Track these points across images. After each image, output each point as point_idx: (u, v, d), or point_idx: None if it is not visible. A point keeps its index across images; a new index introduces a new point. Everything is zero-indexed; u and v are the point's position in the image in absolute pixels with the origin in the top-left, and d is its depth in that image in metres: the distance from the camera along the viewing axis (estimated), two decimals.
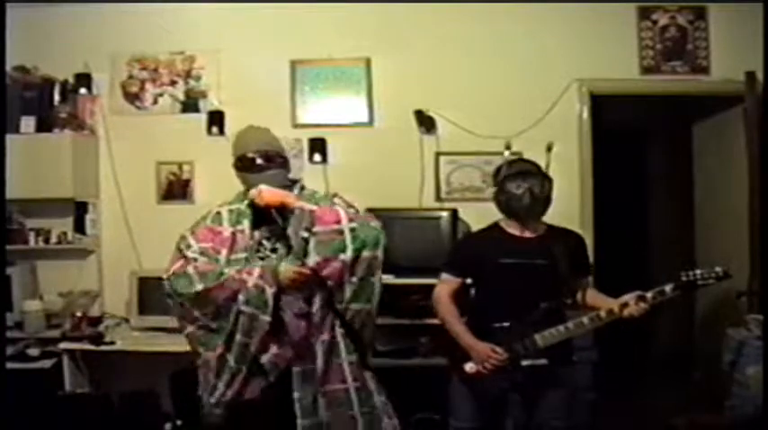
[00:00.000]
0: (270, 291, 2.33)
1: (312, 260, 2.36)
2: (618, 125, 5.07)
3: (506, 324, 2.55)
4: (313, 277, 2.35)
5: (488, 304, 2.64)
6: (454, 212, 3.80)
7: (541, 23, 4.08)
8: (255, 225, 2.51)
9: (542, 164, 3.98)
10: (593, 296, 2.66)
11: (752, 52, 3.66)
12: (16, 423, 3.07)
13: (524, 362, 2.53)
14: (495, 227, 2.75)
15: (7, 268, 3.81)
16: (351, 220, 2.48)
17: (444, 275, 2.74)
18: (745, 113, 3.90)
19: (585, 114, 4.10)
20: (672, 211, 5.47)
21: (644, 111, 5.27)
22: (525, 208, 2.61)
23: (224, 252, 2.45)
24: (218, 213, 2.58)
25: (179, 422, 3.50)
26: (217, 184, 4.15)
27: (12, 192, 3.34)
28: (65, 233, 4.11)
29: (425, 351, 3.72)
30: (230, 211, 2.56)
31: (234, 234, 2.49)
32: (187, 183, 4.23)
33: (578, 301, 2.64)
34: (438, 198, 4.12)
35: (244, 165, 2.55)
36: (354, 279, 2.44)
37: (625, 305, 2.48)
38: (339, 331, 2.43)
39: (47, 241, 4.08)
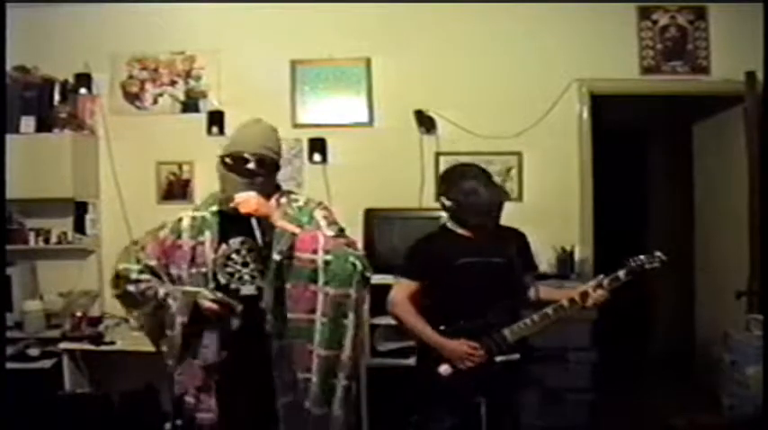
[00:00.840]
0: (179, 320, 2.26)
1: (288, 284, 2.21)
2: (618, 125, 5.07)
3: (469, 323, 2.54)
4: (232, 311, 2.22)
5: (447, 306, 2.60)
6: None
7: (541, 23, 4.08)
8: (224, 236, 2.31)
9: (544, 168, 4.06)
10: (547, 291, 2.72)
11: (752, 52, 3.65)
12: (16, 423, 3.07)
13: (498, 358, 2.52)
14: (444, 229, 2.73)
15: (7, 268, 3.82)
16: (327, 252, 2.24)
17: (400, 279, 2.68)
18: (745, 113, 3.90)
19: (585, 114, 4.10)
20: (672, 211, 5.47)
21: (644, 111, 5.26)
22: (487, 215, 2.60)
23: (183, 266, 2.31)
24: (180, 221, 2.40)
25: (179, 421, 3.49)
26: (217, 184, 4.17)
27: (12, 192, 3.33)
28: (65, 233, 4.11)
29: None
30: (193, 220, 2.36)
31: (196, 245, 2.31)
32: (187, 183, 4.24)
33: (532, 298, 2.70)
34: (438, 198, 4.11)
35: (234, 166, 2.31)
36: (324, 319, 2.22)
37: (585, 294, 2.51)
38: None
39: (47, 241, 4.08)
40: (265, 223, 2.25)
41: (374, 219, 3.82)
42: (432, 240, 2.73)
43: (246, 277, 2.30)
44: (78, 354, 3.78)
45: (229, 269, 2.30)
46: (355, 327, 2.31)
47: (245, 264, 2.30)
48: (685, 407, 3.73)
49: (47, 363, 3.71)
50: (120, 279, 2.38)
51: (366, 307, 3.75)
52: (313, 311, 2.23)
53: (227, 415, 2.28)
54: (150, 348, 3.62)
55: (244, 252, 2.31)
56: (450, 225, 2.72)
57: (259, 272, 2.28)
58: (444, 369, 2.55)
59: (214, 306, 2.22)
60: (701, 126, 4.81)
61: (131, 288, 2.34)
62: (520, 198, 4.04)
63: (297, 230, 2.27)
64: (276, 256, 2.22)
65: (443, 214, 3.72)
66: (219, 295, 2.23)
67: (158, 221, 3.99)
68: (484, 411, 2.54)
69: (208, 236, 2.30)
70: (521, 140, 4.05)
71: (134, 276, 2.34)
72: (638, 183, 5.87)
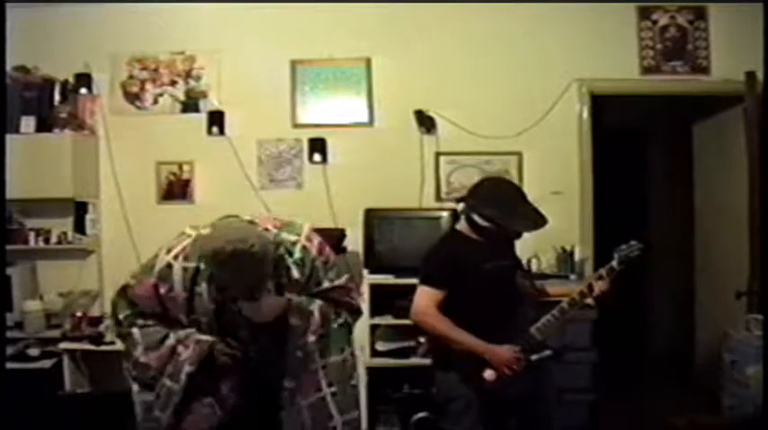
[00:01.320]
0: (186, 369, 2.12)
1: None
2: (618, 125, 5.07)
3: (500, 326, 2.54)
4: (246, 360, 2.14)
5: (473, 310, 2.54)
6: (454, 212, 3.78)
7: (541, 23, 4.08)
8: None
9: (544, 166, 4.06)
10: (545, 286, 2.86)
11: (752, 52, 3.65)
12: (16, 423, 3.07)
13: (533, 357, 2.54)
14: (456, 233, 2.69)
15: (7, 268, 3.81)
16: (322, 326, 2.17)
17: (426, 289, 2.55)
18: (745, 113, 3.90)
19: (585, 114, 4.10)
20: (672, 211, 5.47)
21: (644, 111, 5.26)
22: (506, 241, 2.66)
23: (181, 314, 2.15)
24: (169, 266, 2.15)
25: None
26: (217, 184, 4.20)
27: (12, 192, 3.33)
28: (65, 233, 4.11)
29: (424, 351, 3.72)
30: (185, 270, 2.13)
31: (191, 297, 2.13)
32: (187, 183, 4.24)
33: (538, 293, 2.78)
34: (438, 198, 4.12)
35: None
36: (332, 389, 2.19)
37: (590, 286, 2.57)
38: None
39: (47, 241, 4.08)
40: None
41: (374, 219, 3.82)
42: (450, 246, 2.66)
43: (243, 324, 2.17)
44: (78, 354, 3.78)
45: (226, 318, 2.17)
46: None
47: (239, 311, 2.14)
48: (685, 407, 3.73)
49: (47, 363, 3.71)
50: (121, 326, 2.24)
51: (366, 307, 3.78)
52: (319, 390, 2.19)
53: None
54: None
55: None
56: (460, 228, 2.67)
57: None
58: (489, 374, 2.52)
59: (226, 359, 2.13)
60: (701, 126, 4.81)
61: (135, 332, 2.19)
62: None
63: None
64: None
65: (443, 214, 3.77)
66: (235, 344, 2.14)
67: (158, 221, 4.07)
68: (517, 414, 2.58)
69: (204, 286, 2.12)
70: (521, 140, 4.05)
71: (141, 322, 2.19)
72: (638, 183, 5.87)
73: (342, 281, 2.27)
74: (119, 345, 3.63)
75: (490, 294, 2.54)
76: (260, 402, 2.22)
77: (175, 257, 2.16)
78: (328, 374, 2.19)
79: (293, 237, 2.19)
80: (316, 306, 2.19)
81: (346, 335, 2.28)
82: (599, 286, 2.56)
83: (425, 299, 2.54)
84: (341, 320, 2.25)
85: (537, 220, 2.58)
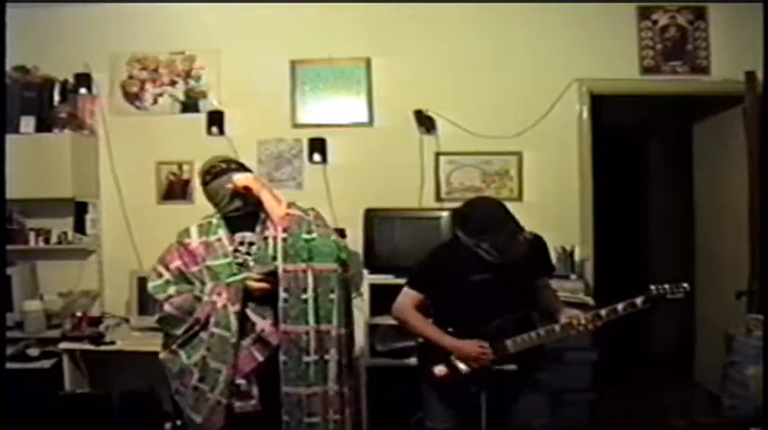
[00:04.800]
0: (232, 310, 2.39)
1: (280, 265, 2.46)
2: (618, 125, 5.07)
3: (474, 332, 2.55)
4: (275, 286, 2.43)
5: (455, 316, 2.61)
6: (454, 213, 3.80)
7: (541, 23, 4.08)
8: (231, 233, 2.57)
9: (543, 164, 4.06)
10: (554, 304, 2.68)
11: (752, 52, 3.65)
12: (16, 423, 3.07)
13: (495, 367, 2.53)
14: (457, 241, 2.68)
15: (7, 268, 3.81)
16: (309, 232, 2.54)
17: (407, 289, 2.71)
18: (745, 113, 3.90)
19: (585, 114, 4.09)
20: (672, 211, 5.47)
21: (644, 111, 5.27)
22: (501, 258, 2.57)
23: (200, 262, 2.52)
24: (186, 229, 2.63)
25: (179, 422, 3.50)
26: None
27: (12, 192, 3.31)
28: (65, 233, 4.11)
29: None
30: (200, 226, 2.61)
31: (207, 244, 2.54)
32: (187, 183, 4.24)
33: (542, 303, 2.69)
34: (438, 198, 4.12)
35: (213, 175, 2.65)
36: (314, 295, 2.46)
37: (597, 315, 2.50)
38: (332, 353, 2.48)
39: (47, 241, 4.08)
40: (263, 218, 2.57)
41: (374, 219, 3.82)
42: (444, 254, 2.71)
43: (252, 263, 2.50)
44: (78, 354, 3.78)
45: (238, 260, 2.52)
46: (342, 303, 2.52)
47: (248, 253, 2.53)
48: (685, 408, 3.74)
49: (47, 363, 3.71)
50: (155, 303, 2.51)
51: (366, 307, 3.79)
52: (305, 290, 2.44)
53: (265, 402, 2.44)
54: (150, 348, 3.63)
55: (246, 243, 2.55)
56: (462, 237, 2.66)
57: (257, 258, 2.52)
58: (439, 369, 2.59)
59: (264, 284, 2.42)
60: (701, 126, 4.81)
61: (167, 308, 2.46)
62: (520, 198, 4.04)
63: (279, 208, 2.56)
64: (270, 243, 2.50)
65: (443, 214, 3.77)
66: (262, 274, 2.44)
67: (158, 221, 4.07)
68: (485, 413, 2.55)
69: (221, 233, 2.55)
70: (521, 140, 4.05)
71: (162, 296, 2.48)
72: (638, 183, 5.87)
73: (329, 230, 2.68)
74: (118, 345, 3.68)
75: (474, 304, 2.56)
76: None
77: (193, 225, 2.63)
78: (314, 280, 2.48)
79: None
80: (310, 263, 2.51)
81: (334, 252, 2.60)
82: (606, 318, 2.49)
83: (404, 298, 2.71)
84: (332, 237, 2.65)
85: (509, 250, 2.52)
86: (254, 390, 2.42)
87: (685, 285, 2.48)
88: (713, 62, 4.05)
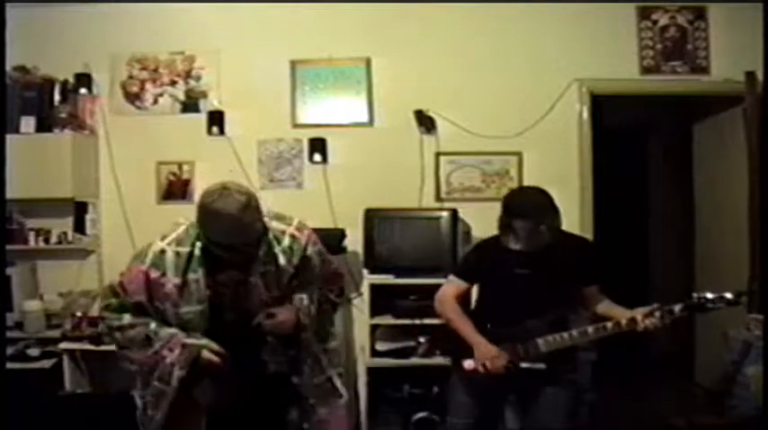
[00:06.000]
0: (177, 374, 2.12)
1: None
2: (618, 125, 5.07)
3: (510, 328, 2.58)
4: (230, 362, 2.15)
5: (493, 310, 2.66)
6: (454, 212, 3.80)
7: (541, 23, 4.08)
8: (211, 271, 2.16)
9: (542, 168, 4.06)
10: (604, 306, 2.67)
11: (752, 52, 3.65)
12: (16, 423, 3.07)
13: (523, 365, 2.56)
14: (499, 240, 2.72)
15: (7, 268, 3.81)
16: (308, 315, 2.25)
17: (452, 278, 2.77)
18: (745, 113, 3.90)
19: (585, 114, 4.09)
20: (671, 211, 5.47)
21: (644, 111, 5.27)
22: (538, 247, 2.58)
23: (169, 306, 2.13)
24: (162, 252, 2.14)
25: None
26: None
27: (12, 192, 3.34)
28: (65, 233, 4.11)
29: (424, 351, 3.72)
30: (177, 255, 2.13)
31: (184, 285, 2.12)
32: (187, 183, 4.23)
33: (589, 310, 2.68)
34: (438, 198, 4.12)
35: (219, 248, 2.09)
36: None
37: (633, 320, 2.50)
38: None
39: (47, 241, 4.08)
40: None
41: (374, 219, 3.82)
42: (489, 245, 2.75)
43: (227, 311, 2.21)
44: (78, 354, 3.78)
45: (215, 301, 2.19)
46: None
47: (225, 294, 2.21)
48: (685, 407, 3.73)
49: (47, 363, 3.71)
50: (103, 322, 2.24)
51: (366, 307, 3.79)
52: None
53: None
54: None
55: (232, 285, 2.20)
56: (502, 237, 2.70)
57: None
58: (468, 363, 2.61)
59: (217, 360, 2.14)
60: (701, 126, 4.81)
61: (118, 336, 2.18)
62: None
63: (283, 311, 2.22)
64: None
65: (443, 214, 3.77)
66: (221, 350, 2.15)
67: (158, 221, 4.05)
68: (510, 412, 2.57)
69: (201, 272, 2.13)
70: (521, 140, 4.05)
71: (116, 324, 2.17)
72: (638, 183, 5.87)
73: (333, 267, 2.41)
74: None
75: (513, 299, 2.58)
76: (260, 396, 2.24)
77: (169, 243, 2.16)
78: (330, 357, 2.32)
79: (282, 227, 2.24)
80: (304, 298, 2.25)
81: (332, 314, 2.42)
82: (643, 324, 2.47)
83: (447, 287, 2.76)
84: (326, 306, 2.35)
85: (529, 239, 2.55)
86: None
87: (729, 295, 2.41)
88: (713, 62, 4.05)
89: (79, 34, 4.22)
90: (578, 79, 4.06)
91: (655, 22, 4.08)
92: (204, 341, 2.15)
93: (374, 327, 3.80)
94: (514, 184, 4.05)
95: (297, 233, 2.25)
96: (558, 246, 2.60)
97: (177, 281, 2.12)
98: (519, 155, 4.09)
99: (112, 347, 3.42)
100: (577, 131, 4.10)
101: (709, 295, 2.41)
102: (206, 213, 2.03)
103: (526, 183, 4.05)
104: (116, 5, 4.18)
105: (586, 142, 4.10)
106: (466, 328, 2.64)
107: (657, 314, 2.46)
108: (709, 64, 4.06)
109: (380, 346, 3.77)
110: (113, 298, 2.19)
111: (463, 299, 2.74)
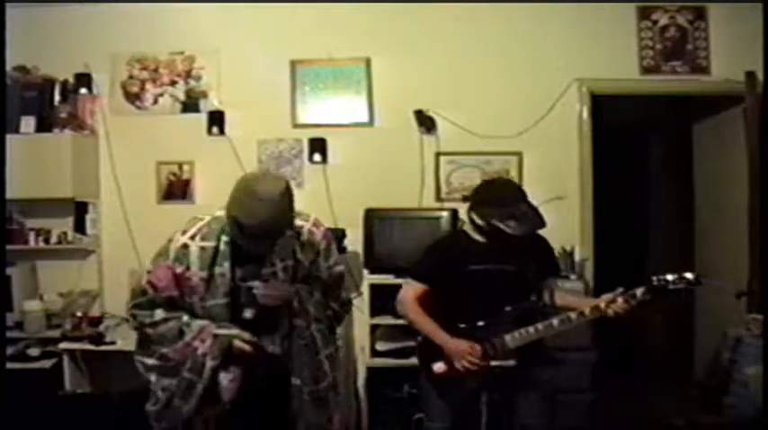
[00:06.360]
0: (209, 364, 2.19)
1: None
2: (618, 125, 5.07)
3: (474, 326, 2.57)
4: (262, 352, 2.25)
5: (455, 308, 2.63)
6: (454, 212, 3.80)
7: (541, 23, 4.08)
8: (236, 265, 2.24)
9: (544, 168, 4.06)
10: (563, 297, 2.69)
11: (752, 52, 3.65)
12: (16, 423, 3.07)
13: (493, 363, 2.54)
14: (461, 233, 2.74)
15: (7, 268, 3.81)
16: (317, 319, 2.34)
17: (409, 280, 2.74)
18: (745, 113, 3.90)
19: (585, 114, 4.09)
20: (672, 211, 5.47)
21: (644, 111, 5.26)
22: (513, 237, 2.54)
23: (196, 300, 2.22)
24: (185, 247, 2.21)
25: None
26: (217, 184, 4.16)
27: (12, 192, 3.33)
28: (65, 233, 4.11)
29: None
30: (202, 250, 2.20)
31: (210, 279, 2.20)
32: (187, 183, 4.24)
33: (548, 303, 2.67)
34: (438, 198, 4.12)
35: (245, 234, 2.11)
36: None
37: (597, 308, 2.48)
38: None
39: (47, 241, 4.08)
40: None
41: (374, 219, 3.82)
42: (445, 245, 2.76)
43: (247, 308, 2.27)
44: (78, 354, 3.78)
45: (238, 297, 2.27)
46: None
47: (249, 291, 2.26)
48: (685, 407, 3.73)
49: (47, 363, 3.71)
50: (135, 320, 2.30)
51: (366, 307, 3.79)
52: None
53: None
54: None
55: (250, 279, 2.26)
56: (467, 229, 2.72)
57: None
58: (438, 366, 2.60)
59: (249, 348, 2.21)
60: (701, 126, 4.81)
61: (150, 332, 2.27)
62: None
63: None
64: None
65: (443, 214, 3.77)
66: (252, 338, 2.22)
67: (158, 221, 4.07)
68: (485, 411, 2.55)
69: (226, 266, 2.21)
70: (521, 140, 4.05)
71: (149, 320, 2.25)
72: (638, 183, 5.88)
73: (341, 268, 2.42)
74: (119, 345, 3.67)
75: (474, 296, 2.57)
76: (267, 391, 2.30)
77: (192, 238, 2.23)
78: (331, 363, 2.35)
79: (300, 222, 2.31)
80: (316, 296, 2.32)
81: (334, 324, 2.44)
82: (606, 311, 2.44)
83: (405, 289, 2.73)
84: (329, 312, 2.38)
85: (534, 223, 2.55)
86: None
87: (689, 274, 2.44)
88: (713, 62, 4.05)
89: (79, 34, 4.23)
90: (578, 79, 4.06)
91: (655, 22, 4.08)
92: (235, 331, 2.22)
93: (374, 327, 3.80)
94: None
95: (314, 229, 2.34)
96: (514, 240, 2.57)
97: (203, 274, 2.19)
98: (519, 155, 4.09)
99: (113, 347, 3.45)
100: (577, 131, 4.10)
101: (669, 277, 2.43)
102: (247, 194, 2.06)
103: (526, 183, 4.05)
104: (116, 5, 4.18)
105: (586, 142, 4.10)
106: (430, 328, 2.63)
107: (621, 299, 2.45)
108: (709, 64, 4.06)
109: (380, 346, 3.77)
110: (142, 297, 2.26)
111: (423, 303, 2.69)
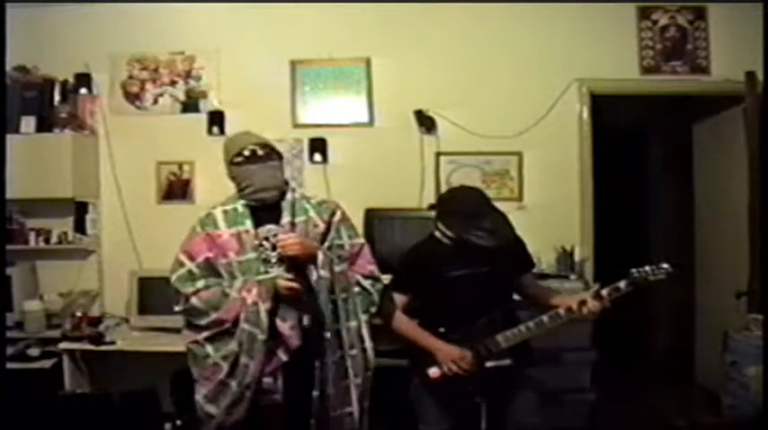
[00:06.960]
0: (263, 308, 2.32)
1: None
2: (618, 125, 5.07)
3: (455, 330, 2.56)
4: (305, 290, 2.37)
5: (438, 315, 2.62)
6: None
7: (541, 23, 4.08)
8: (257, 225, 2.45)
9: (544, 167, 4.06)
10: (541, 290, 2.73)
11: (752, 52, 3.66)
12: (16, 423, 3.07)
13: (488, 364, 2.53)
14: (432, 239, 2.71)
15: (7, 268, 3.81)
16: (345, 290, 2.49)
17: (393, 294, 2.68)
18: (745, 113, 3.90)
19: (585, 114, 4.10)
20: (672, 211, 5.47)
21: (644, 112, 5.27)
22: (485, 248, 2.54)
23: (231, 255, 2.40)
24: (210, 215, 2.48)
25: (179, 422, 3.50)
26: (217, 184, 4.14)
27: (12, 192, 3.33)
28: (65, 233, 4.11)
29: None
30: (225, 212, 2.47)
31: (238, 235, 2.41)
32: (187, 183, 4.24)
33: (525, 298, 2.72)
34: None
35: (245, 158, 2.42)
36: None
37: (583, 302, 2.49)
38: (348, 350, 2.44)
39: (47, 241, 4.08)
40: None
41: (374, 219, 3.82)
42: (419, 253, 2.73)
43: (274, 260, 2.43)
44: (78, 354, 3.77)
45: (262, 256, 2.43)
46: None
47: (273, 247, 2.43)
48: (685, 407, 3.74)
49: (47, 363, 3.70)
50: (179, 294, 2.41)
51: None
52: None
53: (289, 397, 2.40)
54: (150, 348, 3.65)
55: (272, 239, 2.44)
56: (438, 235, 2.70)
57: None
58: (433, 371, 2.58)
59: (295, 285, 2.35)
60: (701, 126, 4.81)
61: (195, 301, 2.38)
62: (520, 198, 4.04)
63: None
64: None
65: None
66: (291, 276, 2.37)
67: (158, 221, 4.08)
68: (483, 413, 2.55)
69: (249, 224, 2.43)
70: (521, 140, 4.05)
71: (191, 289, 2.39)
72: (638, 183, 5.88)
73: (360, 240, 2.62)
74: (119, 345, 3.68)
75: (457, 301, 2.56)
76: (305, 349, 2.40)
77: (214, 207, 2.50)
78: (350, 336, 2.46)
79: (310, 195, 2.63)
80: (343, 266, 2.47)
81: (366, 302, 2.53)
82: (591, 306, 2.46)
83: (393, 307, 2.67)
84: (358, 289, 2.51)
85: (506, 236, 2.54)
86: (279, 386, 2.39)
87: (665, 265, 2.44)
88: (713, 62, 4.05)
89: (79, 34, 4.22)
90: (578, 79, 4.06)
91: (655, 22, 4.08)
92: (275, 273, 2.39)
93: (374, 328, 3.79)
94: (515, 184, 4.06)
95: (326, 201, 2.65)
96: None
97: (232, 231, 2.42)
98: (519, 155, 4.09)
99: (113, 347, 3.45)
100: (577, 131, 4.10)
101: (648, 268, 2.44)
102: (232, 138, 2.56)
103: (526, 183, 4.07)
104: (116, 5, 4.18)
105: (586, 142, 4.10)
106: (420, 335, 2.61)
107: (605, 292, 2.46)
108: (709, 64, 4.06)
109: (381, 346, 3.76)
110: (180, 268, 2.42)
111: (407, 311, 2.67)
